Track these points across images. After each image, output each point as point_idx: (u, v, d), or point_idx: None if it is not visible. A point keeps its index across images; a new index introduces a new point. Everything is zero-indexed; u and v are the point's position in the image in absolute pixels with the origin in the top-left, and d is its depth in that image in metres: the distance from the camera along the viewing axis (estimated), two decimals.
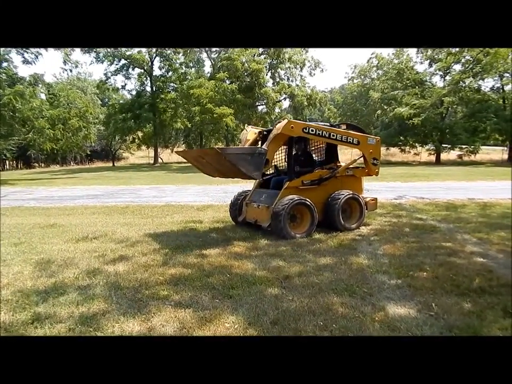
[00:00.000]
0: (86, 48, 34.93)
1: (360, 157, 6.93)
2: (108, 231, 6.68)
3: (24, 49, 23.56)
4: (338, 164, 6.82)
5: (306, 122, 6.40)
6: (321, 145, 7.28)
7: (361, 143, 6.62)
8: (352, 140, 6.54)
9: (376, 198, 7.19)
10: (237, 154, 5.48)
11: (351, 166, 6.83)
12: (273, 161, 7.23)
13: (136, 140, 42.48)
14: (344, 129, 6.66)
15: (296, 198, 5.87)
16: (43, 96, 26.57)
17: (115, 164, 42.11)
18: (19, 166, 42.70)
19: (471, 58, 14.15)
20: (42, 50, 24.33)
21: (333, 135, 6.35)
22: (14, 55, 35.87)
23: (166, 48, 38.78)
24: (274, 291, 3.69)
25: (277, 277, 4.08)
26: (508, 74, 32.67)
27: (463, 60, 16.74)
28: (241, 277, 4.08)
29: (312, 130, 6.17)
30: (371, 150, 6.73)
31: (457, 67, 26.98)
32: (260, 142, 6.79)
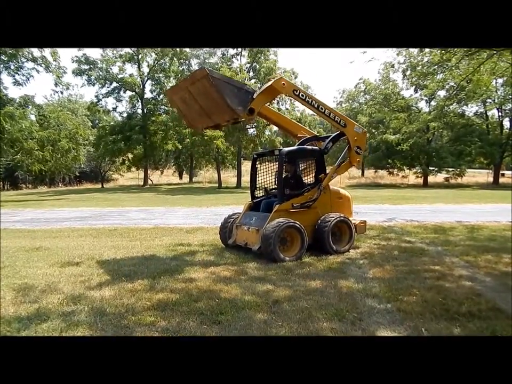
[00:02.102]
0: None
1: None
2: (94, 254, 6.56)
3: (15, 70, 23.68)
4: (321, 176, 6.67)
5: (299, 87, 6.49)
6: (311, 168, 7.33)
7: (348, 126, 6.72)
8: (339, 121, 6.62)
9: (365, 221, 7.23)
10: (225, 83, 5.46)
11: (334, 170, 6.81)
12: (263, 183, 7.29)
13: (126, 162, 42.35)
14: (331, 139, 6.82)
15: (286, 221, 5.87)
16: (33, 118, 26.46)
17: (104, 186, 41.75)
18: (6, 187, 42.07)
19: (454, 85, 14.63)
20: (33, 72, 24.48)
21: (322, 108, 6.41)
22: (5, 76, 35.90)
23: (158, 72, 39.36)
24: (263, 316, 3.63)
25: (266, 301, 4.03)
26: (490, 100, 33.78)
27: (447, 86, 17.35)
28: (230, 301, 4.02)
29: (302, 95, 6.25)
30: (356, 138, 6.79)
31: (442, 93, 27.89)
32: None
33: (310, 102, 6.29)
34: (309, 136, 7.29)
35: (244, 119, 6.28)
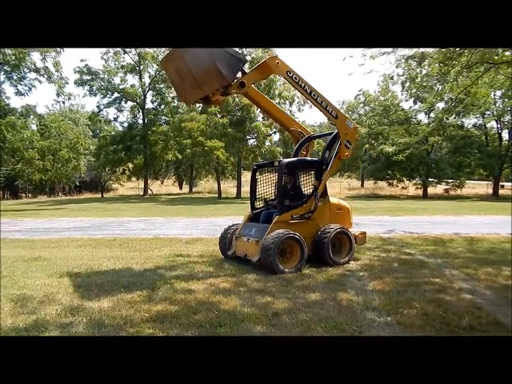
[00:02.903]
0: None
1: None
2: (93, 264, 6.54)
3: (17, 81, 23.89)
4: (315, 184, 6.67)
5: (292, 69, 6.30)
6: (311, 179, 7.34)
7: (339, 118, 6.65)
8: (331, 111, 6.57)
9: (365, 232, 7.22)
10: (219, 48, 5.41)
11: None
12: (262, 194, 7.30)
13: (126, 171, 42.42)
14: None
15: (286, 232, 5.87)
16: (34, 127, 26.61)
17: (104, 195, 41.73)
18: (6, 196, 42.05)
19: (453, 97, 14.81)
20: (36, 82, 24.68)
21: (314, 95, 6.35)
22: (7, 86, 36.12)
23: (159, 83, 39.67)
24: (262, 329, 3.60)
25: (266, 314, 4.01)
26: (489, 112, 34.02)
27: (445, 98, 17.56)
28: (229, 313, 4.00)
29: (295, 78, 6.19)
30: (346, 132, 6.71)
31: (441, 105, 28.15)
32: None
33: (302, 86, 6.22)
34: (305, 134, 7.28)
35: (234, 91, 6.16)
